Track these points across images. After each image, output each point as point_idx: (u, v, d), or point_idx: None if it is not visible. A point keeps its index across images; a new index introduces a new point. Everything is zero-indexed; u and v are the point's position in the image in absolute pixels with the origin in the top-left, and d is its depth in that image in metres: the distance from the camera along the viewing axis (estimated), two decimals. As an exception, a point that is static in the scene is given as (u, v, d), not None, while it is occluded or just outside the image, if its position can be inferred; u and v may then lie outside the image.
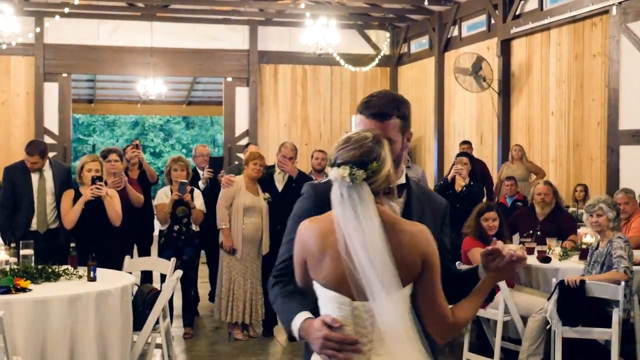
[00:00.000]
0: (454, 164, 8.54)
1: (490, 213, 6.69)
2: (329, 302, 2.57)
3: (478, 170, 10.54)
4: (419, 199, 2.90)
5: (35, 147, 7.18)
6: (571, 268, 6.48)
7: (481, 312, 6.52)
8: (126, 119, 29.10)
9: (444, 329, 2.59)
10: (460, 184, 8.45)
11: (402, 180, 2.89)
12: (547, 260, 6.66)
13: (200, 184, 8.34)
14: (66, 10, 13.70)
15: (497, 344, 6.31)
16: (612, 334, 5.71)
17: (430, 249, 2.55)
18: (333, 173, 2.51)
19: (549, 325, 5.93)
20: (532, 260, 6.74)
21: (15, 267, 5.65)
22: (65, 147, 15.31)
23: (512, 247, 2.76)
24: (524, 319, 6.27)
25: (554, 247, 7.11)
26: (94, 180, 6.57)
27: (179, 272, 6.00)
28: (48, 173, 7.13)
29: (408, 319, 2.53)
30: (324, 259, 2.55)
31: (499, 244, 2.75)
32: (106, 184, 6.83)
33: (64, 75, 15.41)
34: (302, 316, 2.62)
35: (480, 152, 13.33)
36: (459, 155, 8.98)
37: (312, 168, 9.25)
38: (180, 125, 29.77)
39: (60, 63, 15.28)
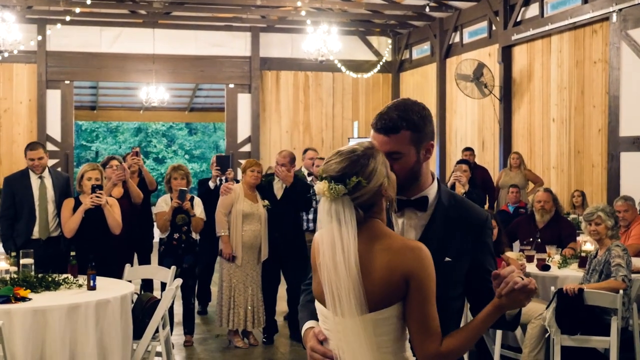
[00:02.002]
0: (453, 171, 8.56)
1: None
2: (319, 313, 2.57)
3: (479, 177, 10.56)
4: (447, 215, 2.71)
5: (36, 143, 7.33)
6: (570, 276, 6.49)
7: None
8: (129, 126, 29.16)
9: (425, 355, 2.44)
10: (459, 191, 8.46)
11: (427, 193, 2.71)
12: (546, 268, 6.67)
13: (211, 183, 8.36)
14: (68, 18, 13.75)
15: (497, 351, 6.31)
16: (610, 342, 5.71)
17: (418, 268, 2.40)
18: (316, 187, 2.50)
19: (548, 334, 5.94)
20: (531, 267, 6.76)
21: (15, 276, 5.67)
22: (67, 153, 15.35)
23: (516, 273, 2.46)
24: (523, 327, 6.27)
25: (554, 255, 7.11)
26: (94, 189, 6.60)
27: (179, 281, 6.01)
28: (48, 181, 7.16)
29: (370, 344, 2.41)
30: (316, 270, 2.56)
31: (505, 270, 2.48)
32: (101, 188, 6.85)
33: (67, 82, 15.46)
34: (306, 325, 2.64)
35: (482, 159, 13.34)
36: (458, 162, 8.99)
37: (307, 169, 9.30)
38: (183, 131, 29.83)
39: (62, 70, 15.33)
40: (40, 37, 14.86)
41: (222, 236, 7.54)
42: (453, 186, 8.51)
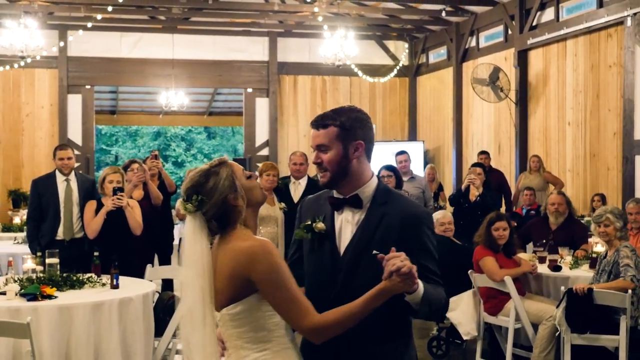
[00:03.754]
0: (467, 174, 8.68)
1: (500, 222, 6.78)
2: None
3: (494, 180, 10.66)
4: (383, 212, 2.90)
5: (65, 144, 7.56)
6: (581, 276, 6.60)
7: (493, 320, 6.66)
8: (148, 130, 29.42)
9: (302, 330, 2.73)
10: (474, 194, 8.58)
11: (362, 191, 2.92)
12: (557, 269, 6.78)
13: None
14: (89, 24, 13.98)
15: (509, 350, 6.43)
16: (620, 341, 5.81)
17: (252, 269, 2.70)
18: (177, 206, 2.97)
19: (558, 332, 6.05)
20: (543, 268, 6.88)
21: (41, 275, 5.85)
22: (88, 157, 15.58)
23: (400, 260, 2.58)
24: (535, 327, 6.39)
25: (566, 256, 7.22)
26: (115, 191, 6.77)
27: None
28: (74, 183, 7.35)
29: (212, 344, 2.78)
30: None
31: (390, 255, 2.62)
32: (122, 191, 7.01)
33: (87, 87, 15.69)
34: None
35: (498, 162, 13.43)
36: (472, 165, 9.11)
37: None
38: (202, 135, 30.05)
39: (83, 75, 15.57)
40: (62, 43, 15.11)
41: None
42: (467, 188, 8.63)
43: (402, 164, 10.67)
